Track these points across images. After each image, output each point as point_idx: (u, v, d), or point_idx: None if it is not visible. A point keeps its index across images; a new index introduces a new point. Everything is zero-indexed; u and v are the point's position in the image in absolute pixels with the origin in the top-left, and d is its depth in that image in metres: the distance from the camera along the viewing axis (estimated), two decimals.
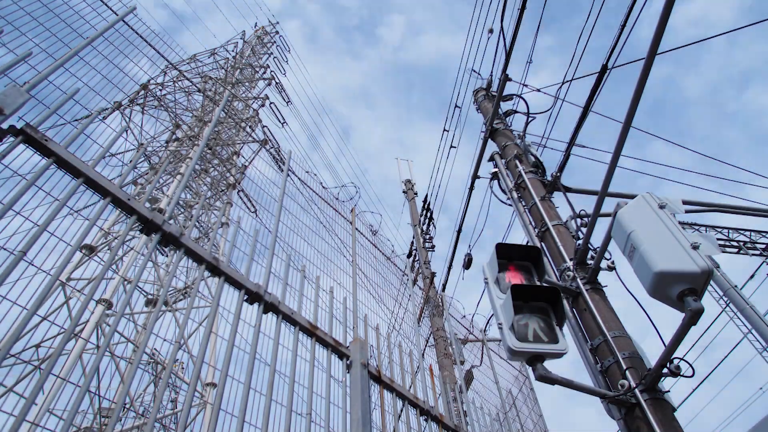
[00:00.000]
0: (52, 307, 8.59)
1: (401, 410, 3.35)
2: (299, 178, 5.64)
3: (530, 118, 6.11)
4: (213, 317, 2.58)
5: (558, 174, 5.06)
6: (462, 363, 8.42)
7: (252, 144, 15.17)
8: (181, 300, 11.87)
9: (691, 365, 2.91)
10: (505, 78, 6.28)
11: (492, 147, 6.36)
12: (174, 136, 13.51)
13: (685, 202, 4.36)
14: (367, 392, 3.00)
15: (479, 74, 7.87)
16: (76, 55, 2.55)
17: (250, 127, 15.55)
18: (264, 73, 20.91)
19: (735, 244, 11.47)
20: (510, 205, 5.55)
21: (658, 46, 3.04)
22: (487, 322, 7.69)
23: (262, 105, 17.82)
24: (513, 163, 5.63)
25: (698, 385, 9.35)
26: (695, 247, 2.72)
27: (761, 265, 10.64)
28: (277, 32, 25.30)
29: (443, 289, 9.36)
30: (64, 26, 6.08)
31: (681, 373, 2.91)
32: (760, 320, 7.34)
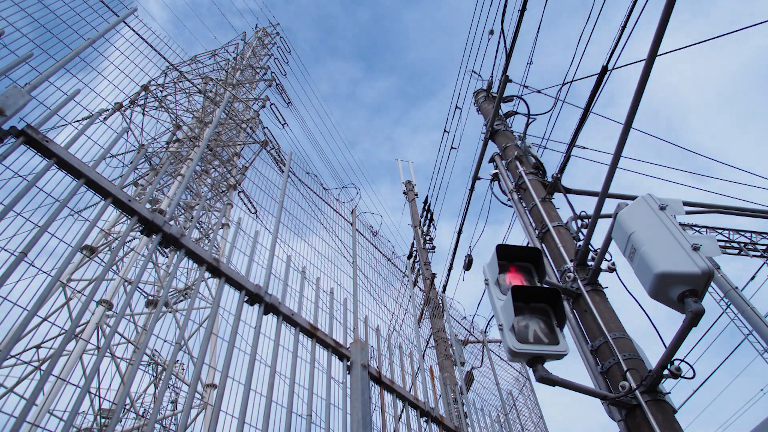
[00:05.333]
0: (53, 308, 8.60)
1: (402, 411, 3.35)
2: (300, 179, 5.65)
3: (531, 120, 6.12)
4: (213, 318, 2.58)
5: (558, 175, 5.06)
6: (462, 364, 8.41)
7: (252, 145, 15.18)
8: (181, 301, 11.87)
9: (691, 367, 2.91)
10: (506, 79, 6.28)
11: (492, 148, 6.37)
12: (174, 137, 13.52)
13: (685, 204, 4.36)
14: (367, 393, 2.99)
15: (479, 75, 7.88)
16: (76, 56, 2.56)
17: (250, 128, 15.56)
18: (264, 74, 20.94)
19: (735, 245, 11.46)
20: (510, 206, 5.55)
21: (658, 46, 3.04)
22: (488, 324, 7.69)
23: (263, 106, 17.84)
24: (513, 164, 5.63)
25: (699, 387, 9.34)
26: (696, 249, 2.72)
27: (762, 266, 10.63)
28: (277, 33, 25.35)
29: (443, 291, 9.36)
30: (65, 27, 6.08)
31: (682, 375, 2.91)
32: (760, 321, 7.34)
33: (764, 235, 11.49)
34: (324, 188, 6.90)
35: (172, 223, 2.46)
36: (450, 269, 9.02)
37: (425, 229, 11.06)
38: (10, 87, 1.94)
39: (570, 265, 4.19)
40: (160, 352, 10.20)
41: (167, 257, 11.46)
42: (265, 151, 14.87)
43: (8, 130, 1.93)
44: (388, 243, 10.56)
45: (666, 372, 2.97)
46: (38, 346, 8.27)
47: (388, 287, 8.77)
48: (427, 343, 8.84)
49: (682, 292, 2.70)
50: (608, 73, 4.64)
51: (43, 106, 2.30)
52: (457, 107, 8.85)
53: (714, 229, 11.37)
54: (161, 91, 13.71)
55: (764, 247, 11.40)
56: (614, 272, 3.87)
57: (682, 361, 2.92)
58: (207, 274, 2.62)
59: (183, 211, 12.46)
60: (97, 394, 8.07)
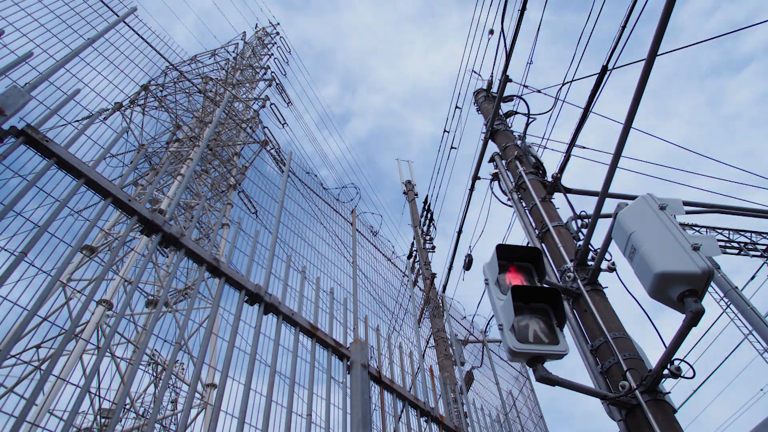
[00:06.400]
0: (53, 308, 8.60)
1: (401, 411, 3.35)
2: (299, 179, 5.64)
3: (530, 119, 6.12)
4: (213, 318, 2.58)
5: (558, 175, 5.05)
6: (462, 364, 8.41)
7: (252, 145, 15.18)
8: (181, 301, 11.88)
9: (691, 366, 2.91)
10: (506, 79, 6.28)
11: (492, 148, 6.37)
12: (174, 137, 13.52)
13: (685, 203, 4.36)
14: (367, 393, 3.00)
15: (479, 75, 7.88)
16: (76, 56, 2.56)
17: (250, 128, 15.55)
18: (264, 74, 20.94)
19: (736, 245, 11.47)
20: (510, 206, 5.55)
21: (658, 46, 3.04)
22: (488, 323, 7.69)
23: (263, 106, 17.83)
24: (513, 164, 5.63)
25: (699, 387, 9.34)
26: (696, 249, 2.72)
27: (762, 266, 10.64)
28: (277, 33, 25.35)
29: (443, 290, 9.36)
30: (65, 27, 6.08)
31: (682, 375, 2.91)
32: (760, 321, 7.34)
33: (764, 235, 11.50)
34: (324, 188, 6.90)
35: (172, 223, 2.46)
36: (450, 269, 9.03)
37: (425, 229, 11.06)
38: (10, 87, 1.94)
39: (570, 265, 4.19)
40: (160, 352, 10.21)
41: (167, 257, 11.47)
42: (265, 151, 14.87)
43: (8, 130, 1.93)
44: (388, 243, 10.56)
45: (666, 372, 2.97)
46: (38, 346, 8.27)
47: (388, 287, 8.77)
48: (427, 343, 8.85)
49: (682, 291, 2.70)
50: (608, 73, 4.64)
51: (43, 105, 2.30)
52: (457, 107, 8.86)
53: (714, 229, 11.38)
54: (161, 91, 13.72)
55: (764, 247, 11.40)
56: (614, 272, 3.87)
57: (682, 360, 2.92)
58: (207, 274, 2.62)
59: (183, 211, 12.46)
60: (97, 394, 8.08)
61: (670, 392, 3.25)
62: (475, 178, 6.86)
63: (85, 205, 2.42)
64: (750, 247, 11.45)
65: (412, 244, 11.23)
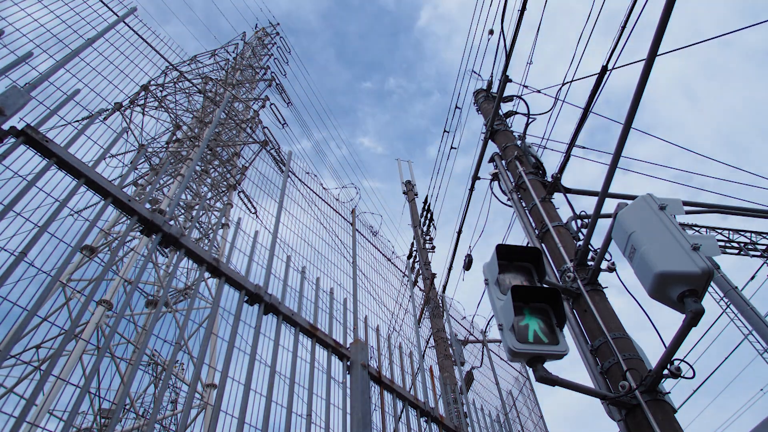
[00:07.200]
0: (53, 308, 8.60)
1: (401, 411, 3.35)
2: (299, 179, 5.64)
3: (530, 119, 6.12)
4: (213, 318, 2.58)
5: (558, 175, 5.05)
6: (462, 364, 8.41)
7: (252, 145, 15.17)
8: (181, 301, 11.87)
9: (691, 366, 2.91)
10: (505, 79, 6.28)
11: (492, 148, 6.37)
12: (174, 137, 13.52)
13: (685, 203, 4.36)
14: (367, 393, 3.00)
15: (479, 75, 7.89)
16: (76, 56, 2.56)
17: (250, 128, 15.55)
18: (264, 74, 20.94)
19: (735, 245, 11.47)
20: (510, 206, 5.55)
21: (658, 47, 3.04)
22: (488, 324, 7.70)
23: (263, 106, 17.83)
24: (513, 164, 5.63)
25: (699, 387, 9.34)
26: (696, 249, 2.72)
27: (762, 266, 10.64)
28: (277, 33, 25.36)
29: (443, 291, 9.35)
30: (65, 27, 6.08)
31: (682, 375, 2.91)
32: (760, 321, 7.34)
33: (764, 235, 11.50)
34: (324, 188, 6.90)
35: (171, 223, 2.46)
36: (450, 269, 9.02)
37: (425, 229, 11.06)
38: (10, 87, 1.94)
39: (570, 265, 4.19)
40: (160, 352, 10.21)
41: (167, 257, 11.47)
42: (265, 151, 14.85)
43: (8, 130, 1.93)
44: (388, 243, 10.55)
45: (666, 372, 2.97)
46: (38, 346, 8.27)
47: (388, 287, 8.77)
48: (427, 343, 8.84)
49: (682, 291, 2.70)
50: (608, 73, 4.64)
51: (43, 105, 2.30)
52: (457, 107, 8.86)
53: (714, 229, 11.38)
54: (161, 91, 13.72)
55: (764, 247, 11.41)
56: (614, 272, 3.87)
57: (682, 360, 2.92)
58: (207, 274, 2.62)
59: (183, 211, 12.46)
60: (97, 394, 8.07)
61: (670, 392, 3.25)
62: (475, 178, 6.86)
63: (85, 205, 2.42)
64: (750, 247, 11.45)
65: (412, 244, 11.23)
